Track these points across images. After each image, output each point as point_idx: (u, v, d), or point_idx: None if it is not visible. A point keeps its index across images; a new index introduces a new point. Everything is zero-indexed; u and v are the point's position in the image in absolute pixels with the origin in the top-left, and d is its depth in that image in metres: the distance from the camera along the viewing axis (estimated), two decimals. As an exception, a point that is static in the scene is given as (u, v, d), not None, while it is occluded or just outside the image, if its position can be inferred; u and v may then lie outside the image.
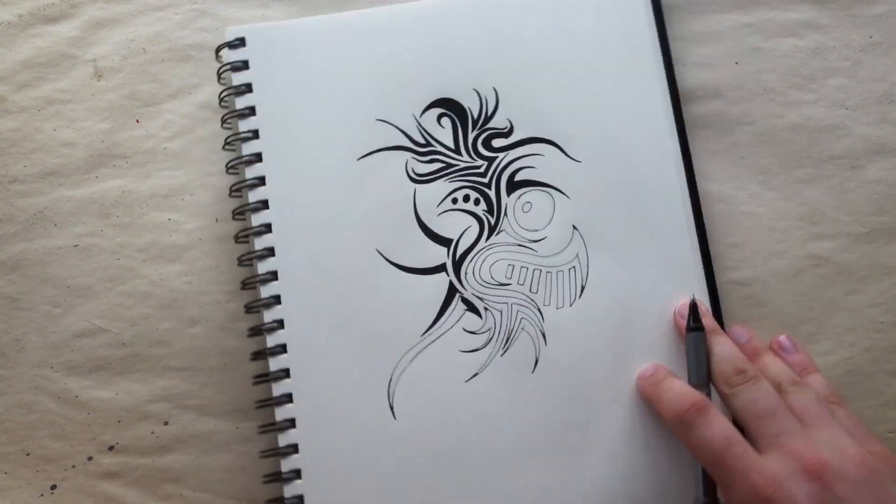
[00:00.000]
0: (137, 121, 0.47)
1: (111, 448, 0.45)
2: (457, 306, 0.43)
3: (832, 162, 0.46)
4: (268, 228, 0.43)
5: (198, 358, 0.45)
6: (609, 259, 0.44)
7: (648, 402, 0.41)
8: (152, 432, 0.45)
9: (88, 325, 0.46)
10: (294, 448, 0.41)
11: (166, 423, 0.45)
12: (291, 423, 0.42)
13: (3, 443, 0.45)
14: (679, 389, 0.39)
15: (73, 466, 0.45)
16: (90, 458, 0.45)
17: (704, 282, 0.44)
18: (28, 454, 0.45)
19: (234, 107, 0.44)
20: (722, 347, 0.40)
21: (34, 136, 0.47)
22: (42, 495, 0.45)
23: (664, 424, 0.40)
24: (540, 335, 0.43)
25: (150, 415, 0.45)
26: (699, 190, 0.45)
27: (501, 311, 0.43)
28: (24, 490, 0.45)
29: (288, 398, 0.42)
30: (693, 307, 0.41)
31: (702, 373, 0.40)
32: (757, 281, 0.45)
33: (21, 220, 0.46)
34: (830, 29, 0.48)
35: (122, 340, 0.45)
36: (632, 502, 0.41)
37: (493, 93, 0.45)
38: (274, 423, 0.42)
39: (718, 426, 0.36)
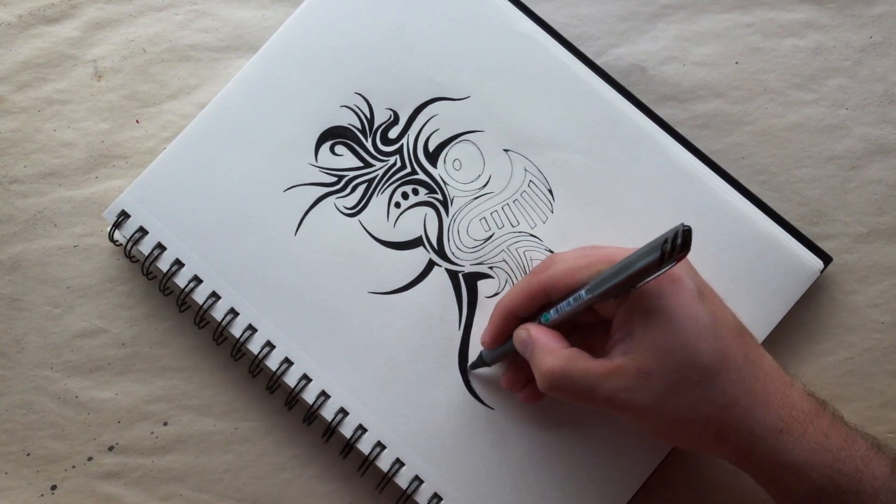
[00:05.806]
0: (137, 121, 0.47)
1: (111, 448, 0.45)
2: (467, 284, 0.43)
3: (832, 162, 0.46)
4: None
5: (197, 358, 0.45)
6: (553, 151, 0.44)
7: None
8: (152, 432, 0.45)
9: (88, 325, 0.46)
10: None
11: (166, 424, 0.45)
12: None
13: (4, 443, 0.45)
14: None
15: (74, 467, 0.45)
16: (90, 459, 0.45)
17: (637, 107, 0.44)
18: (28, 454, 0.45)
19: (161, 272, 0.43)
20: None
21: (34, 137, 0.47)
22: (42, 495, 0.45)
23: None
24: (548, 252, 0.43)
25: (149, 415, 0.45)
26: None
27: (505, 259, 0.43)
28: (25, 490, 0.45)
29: (399, 462, 0.42)
30: None
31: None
32: (757, 281, 0.45)
33: (21, 220, 0.46)
34: (830, 29, 0.47)
35: (122, 340, 0.45)
36: None
37: (359, 97, 0.45)
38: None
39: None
